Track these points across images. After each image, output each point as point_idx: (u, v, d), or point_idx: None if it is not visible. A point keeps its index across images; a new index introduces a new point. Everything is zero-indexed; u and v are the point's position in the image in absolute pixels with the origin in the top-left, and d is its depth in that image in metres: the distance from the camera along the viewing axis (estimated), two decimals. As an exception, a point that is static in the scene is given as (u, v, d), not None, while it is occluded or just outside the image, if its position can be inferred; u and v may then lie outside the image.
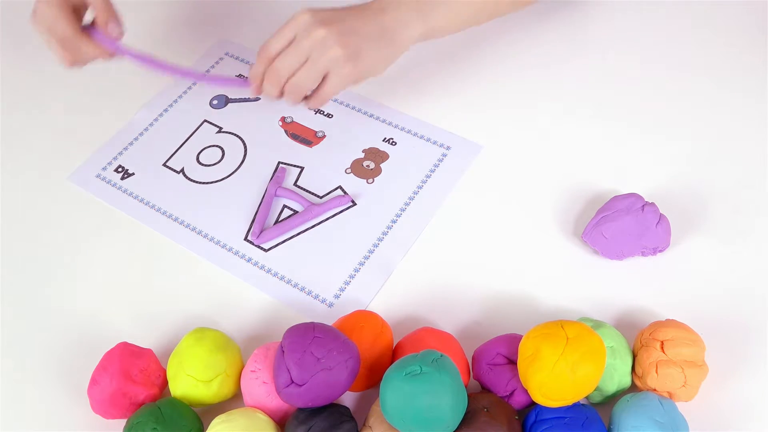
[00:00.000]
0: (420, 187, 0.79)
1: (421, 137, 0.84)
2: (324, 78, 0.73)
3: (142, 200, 0.81)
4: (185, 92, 0.91)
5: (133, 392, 0.63)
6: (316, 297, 0.72)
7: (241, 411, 0.61)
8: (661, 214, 0.70)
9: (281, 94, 0.75)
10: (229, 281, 0.74)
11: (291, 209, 0.79)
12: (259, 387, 0.62)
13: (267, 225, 0.78)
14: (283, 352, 0.60)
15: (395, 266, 0.73)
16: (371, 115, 0.86)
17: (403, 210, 0.77)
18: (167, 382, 0.65)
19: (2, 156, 0.86)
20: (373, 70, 0.75)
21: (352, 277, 0.73)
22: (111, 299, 0.74)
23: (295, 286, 0.73)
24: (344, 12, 0.74)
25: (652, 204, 0.70)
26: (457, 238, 0.75)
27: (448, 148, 0.82)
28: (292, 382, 0.59)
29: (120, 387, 0.62)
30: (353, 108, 0.87)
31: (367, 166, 0.82)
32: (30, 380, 0.69)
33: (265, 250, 0.76)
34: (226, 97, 0.90)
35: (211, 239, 0.77)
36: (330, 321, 0.69)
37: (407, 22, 0.75)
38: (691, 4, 0.93)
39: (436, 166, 0.81)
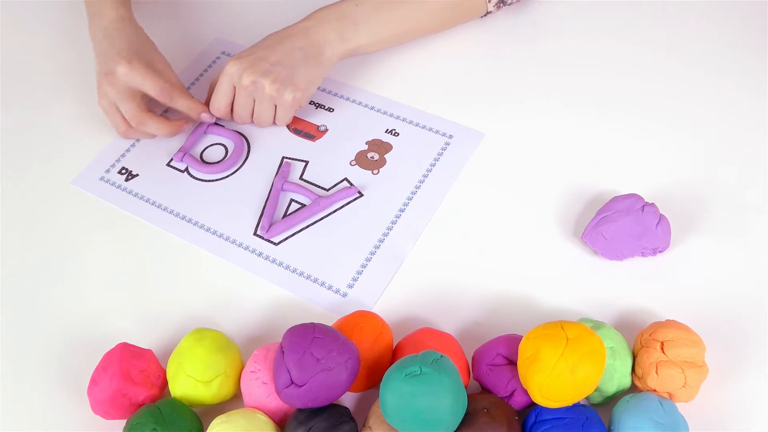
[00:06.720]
0: (426, 176, 0.80)
1: (423, 127, 0.84)
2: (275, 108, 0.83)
3: (148, 200, 0.81)
4: (184, 92, 0.91)
5: (133, 393, 0.63)
6: (330, 287, 0.73)
7: (240, 411, 0.61)
8: (661, 215, 0.70)
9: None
10: (229, 281, 0.74)
11: (298, 203, 0.79)
12: (259, 387, 0.62)
13: (275, 219, 0.78)
14: (283, 352, 0.60)
15: (407, 254, 0.74)
16: (372, 107, 0.87)
17: (410, 199, 0.78)
18: (167, 383, 0.65)
19: (4, 163, 0.86)
20: (309, 89, 0.83)
21: (364, 266, 0.74)
22: (111, 300, 0.74)
23: (308, 277, 0.74)
24: (268, 49, 0.81)
25: (652, 204, 0.70)
26: (457, 239, 0.75)
27: (450, 136, 0.83)
28: (292, 382, 0.59)
29: (120, 387, 0.62)
30: (353, 101, 0.88)
31: (372, 157, 0.82)
32: (30, 380, 0.69)
33: (275, 244, 0.76)
34: None
35: (221, 236, 0.77)
36: (345, 311, 0.69)
37: (329, 41, 0.82)
38: (693, 4, 0.93)
39: (440, 154, 0.82)
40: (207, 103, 0.85)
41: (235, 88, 0.81)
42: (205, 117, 0.85)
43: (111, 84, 0.80)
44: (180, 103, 0.83)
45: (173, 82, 0.83)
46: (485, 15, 0.91)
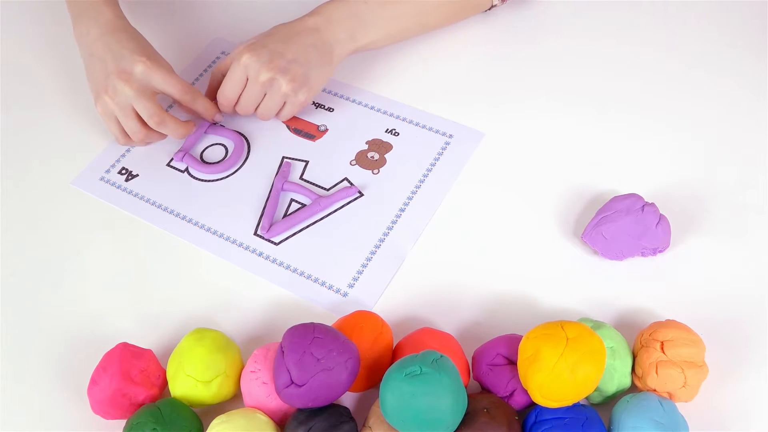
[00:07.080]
0: (426, 175, 0.80)
1: (423, 127, 0.84)
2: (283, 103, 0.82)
3: (148, 200, 0.81)
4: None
5: (133, 393, 0.63)
6: (330, 287, 0.73)
7: (240, 411, 0.61)
8: (661, 215, 0.70)
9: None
10: (229, 281, 0.74)
11: (299, 203, 0.79)
12: (259, 387, 0.62)
13: (276, 219, 0.78)
14: (283, 352, 0.60)
15: (407, 254, 0.74)
16: (372, 107, 0.87)
17: (410, 198, 0.78)
18: (167, 383, 0.65)
19: (4, 163, 0.86)
20: (319, 90, 0.83)
21: (364, 266, 0.74)
22: (111, 300, 0.74)
23: (308, 277, 0.74)
24: (283, 44, 0.80)
25: (652, 204, 0.70)
26: (457, 239, 0.75)
27: (450, 136, 0.83)
28: (292, 382, 0.59)
29: (120, 387, 0.62)
30: (353, 101, 0.88)
31: (372, 157, 0.82)
32: (30, 380, 0.69)
33: (275, 244, 0.76)
34: None
35: (221, 236, 0.77)
36: (345, 310, 0.69)
37: (340, 40, 0.82)
38: (693, 4, 0.93)
39: (440, 154, 0.82)
40: (207, 94, 0.84)
41: (247, 79, 0.80)
42: (218, 118, 0.85)
43: (126, 82, 0.77)
44: (199, 103, 0.82)
45: None
46: (490, 8, 0.91)
